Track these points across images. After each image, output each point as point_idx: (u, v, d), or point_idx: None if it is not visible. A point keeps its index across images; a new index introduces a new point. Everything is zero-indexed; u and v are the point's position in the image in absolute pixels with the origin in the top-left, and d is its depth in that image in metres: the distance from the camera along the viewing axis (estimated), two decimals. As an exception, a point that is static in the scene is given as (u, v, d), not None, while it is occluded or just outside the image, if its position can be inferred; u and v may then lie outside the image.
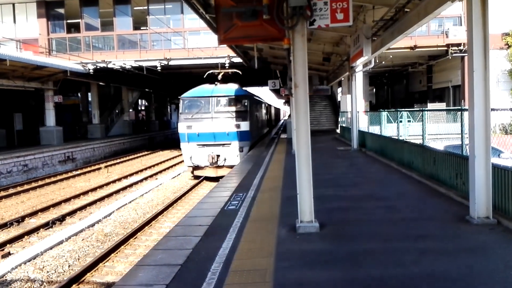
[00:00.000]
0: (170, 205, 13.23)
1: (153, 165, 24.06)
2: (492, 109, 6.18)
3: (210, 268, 4.77)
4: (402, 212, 7.04)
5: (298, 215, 6.16)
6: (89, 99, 35.17)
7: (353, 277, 4.39)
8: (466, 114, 7.81)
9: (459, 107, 15.88)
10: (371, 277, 4.38)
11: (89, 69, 26.41)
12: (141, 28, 29.77)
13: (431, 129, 11.64)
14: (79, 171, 22.33)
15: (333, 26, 6.56)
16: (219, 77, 22.01)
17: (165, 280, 4.50)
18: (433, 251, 5.07)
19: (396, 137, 12.66)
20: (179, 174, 20.54)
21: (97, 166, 23.88)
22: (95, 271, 8.10)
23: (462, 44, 23.23)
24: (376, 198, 8.12)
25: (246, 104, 19.39)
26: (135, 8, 28.82)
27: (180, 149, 19.35)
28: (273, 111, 46.66)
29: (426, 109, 13.13)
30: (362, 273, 4.49)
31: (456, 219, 6.41)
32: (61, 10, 29.45)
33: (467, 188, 6.68)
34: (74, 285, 7.43)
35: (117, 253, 9.07)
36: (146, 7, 28.80)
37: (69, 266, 8.50)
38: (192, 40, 28.66)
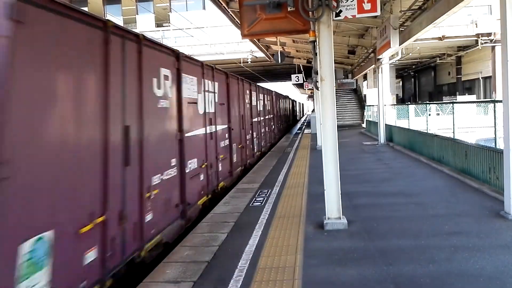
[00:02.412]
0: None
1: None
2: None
3: (237, 265, 4.72)
4: (433, 207, 6.83)
5: (325, 212, 6.05)
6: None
7: (384, 275, 4.26)
8: (499, 106, 7.54)
9: (492, 99, 15.39)
10: (403, 274, 4.25)
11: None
12: (163, 24, 30.02)
13: (462, 122, 11.31)
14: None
15: (359, 17, 6.40)
16: None
17: (193, 277, 4.48)
18: (466, 248, 4.89)
19: (425, 131, 12.34)
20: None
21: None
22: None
23: (493, 33, 22.51)
24: (406, 194, 7.91)
25: None
26: (157, 5, 29.07)
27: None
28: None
29: (456, 101, 12.77)
30: (393, 271, 4.35)
31: (490, 214, 6.19)
32: (85, 9, 30.00)
33: (501, 183, 6.44)
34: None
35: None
36: (168, 4, 29.00)
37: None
38: (214, 35, 28.73)
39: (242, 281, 4.29)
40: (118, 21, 29.81)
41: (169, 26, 28.95)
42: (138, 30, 29.18)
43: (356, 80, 30.63)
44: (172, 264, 4.94)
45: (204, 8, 29.23)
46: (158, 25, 29.88)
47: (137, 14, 29.59)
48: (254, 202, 7.84)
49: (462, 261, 4.53)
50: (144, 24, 29.48)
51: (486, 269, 4.28)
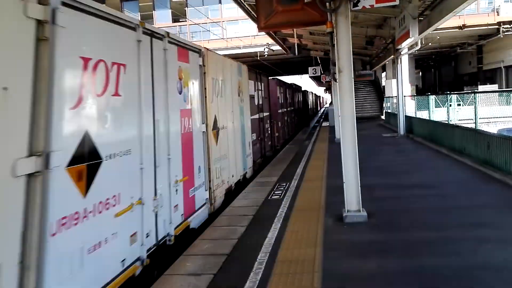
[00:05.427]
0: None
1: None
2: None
3: (256, 257, 4.72)
4: (456, 199, 6.71)
5: (344, 205, 6.00)
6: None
7: (405, 267, 4.21)
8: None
9: (514, 88, 15.02)
10: (425, 267, 4.19)
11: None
12: (180, 20, 30.10)
13: (483, 112, 11.07)
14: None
15: (378, 7, 6.28)
16: None
17: (213, 270, 4.50)
18: (490, 240, 4.80)
19: (446, 122, 12.12)
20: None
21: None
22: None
23: (515, 21, 21.92)
24: (427, 186, 7.79)
25: None
26: (173, 0, 29.13)
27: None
28: None
29: (477, 91, 12.49)
30: (415, 263, 4.30)
31: (515, 206, 6.06)
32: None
33: (526, 174, 6.27)
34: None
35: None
36: (185, -1, 29.04)
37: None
38: (230, 29, 28.67)
39: (262, 273, 4.29)
40: (136, 17, 30.01)
41: (186, 21, 29.00)
42: (155, 25, 29.34)
43: (375, 71, 30.21)
44: (192, 257, 4.98)
45: (220, 2, 29.19)
46: (175, 20, 29.97)
47: (154, 10, 29.76)
48: (272, 196, 7.83)
49: (486, 253, 4.44)
50: (161, 20, 29.62)
51: (510, 261, 4.19)
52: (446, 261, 4.31)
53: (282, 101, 18.51)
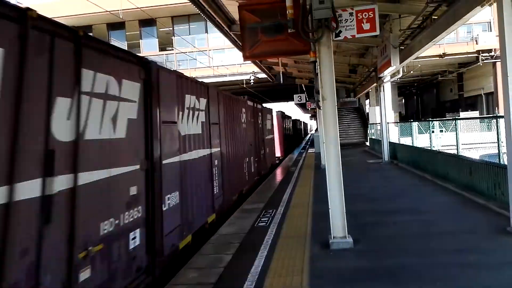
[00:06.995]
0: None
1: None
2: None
3: (243, 286, 4.68)
4: (439, 225, 6.78)
5: (330, 231, 6.01)
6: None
7: (391, 295, 4.22)
8: (502, 121, 7.55)
9: (494, 115, 15.38)
10: (411, 294, 4.21)
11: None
12: (167, 48, 30.42)
13: (465, 138, 11.31)
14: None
15: (359, 37, 6.48)
16: None
17: (198, 300, 4.44)
18: (474, 265, 4.85)
19: (429, 148, 12.33)
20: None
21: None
22: None
23: (493, 50, 22.66)
24: (411, 212, 7.86)
25: None
26: (160, 29, 29.51)
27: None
28: None
29: (459, 117, 12.77)
30: (400, 290, 4.31)
31: (497, 231, 6.13)
32: (90, 34, 30.44)
33: (507, 198, 6.39)
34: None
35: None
36: (171, 28, 29.43)
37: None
38: (217, 58, 29.03)
39: (248, 303, 4.26)
40: (123, 46, 30.23)
41: (173, 49, 29.33)
42: (142, 54, 29.57)
43: (359, 98, 30.76)
44: (178, 287, 4.91)
45: (206, 31, 29.66)
46: (162, 49, 30.29)
47: (141, 39, 30.07)
48: (259, 223, 7.81)
49: (469, 279, 4.48)
50: (148, 49, 29.89)
51: (494, 286, 4.23)
52: (431, 287, 4.33)
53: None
